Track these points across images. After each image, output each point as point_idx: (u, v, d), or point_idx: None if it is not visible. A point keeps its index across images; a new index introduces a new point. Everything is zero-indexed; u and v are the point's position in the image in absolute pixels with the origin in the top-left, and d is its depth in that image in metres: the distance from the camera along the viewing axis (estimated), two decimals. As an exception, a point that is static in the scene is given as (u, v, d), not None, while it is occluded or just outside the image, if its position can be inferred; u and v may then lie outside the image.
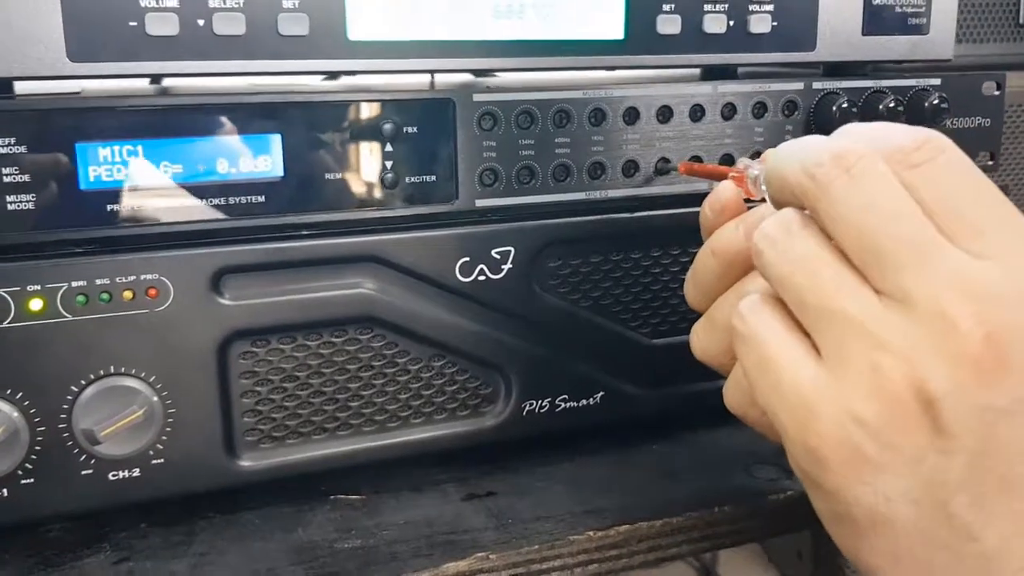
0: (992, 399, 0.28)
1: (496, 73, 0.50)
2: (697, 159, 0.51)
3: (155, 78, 0.46)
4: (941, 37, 0.57)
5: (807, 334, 0.32)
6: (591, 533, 0.45)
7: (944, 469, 0.29)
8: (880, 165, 0.31)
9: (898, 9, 0.55)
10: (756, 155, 0.53)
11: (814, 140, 0.33)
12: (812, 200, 0.32)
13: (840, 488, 0.31)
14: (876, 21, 0.55)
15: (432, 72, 0.49)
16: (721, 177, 0.43)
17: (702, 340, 0.41)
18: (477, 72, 0.49)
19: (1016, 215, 0.31)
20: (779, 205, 0.35)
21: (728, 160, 0.52)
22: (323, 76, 0.54)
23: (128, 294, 0.42)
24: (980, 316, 0.28)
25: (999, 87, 0.58)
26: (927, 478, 0.30)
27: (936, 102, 0.55)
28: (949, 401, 0.29)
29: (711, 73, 0.55)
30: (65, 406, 0.42)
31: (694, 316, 0.54)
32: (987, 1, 0.83)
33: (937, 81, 0.56)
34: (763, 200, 0.38)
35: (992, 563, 0.30)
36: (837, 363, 0.30)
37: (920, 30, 0.56)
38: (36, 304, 0.41)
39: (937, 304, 0.29)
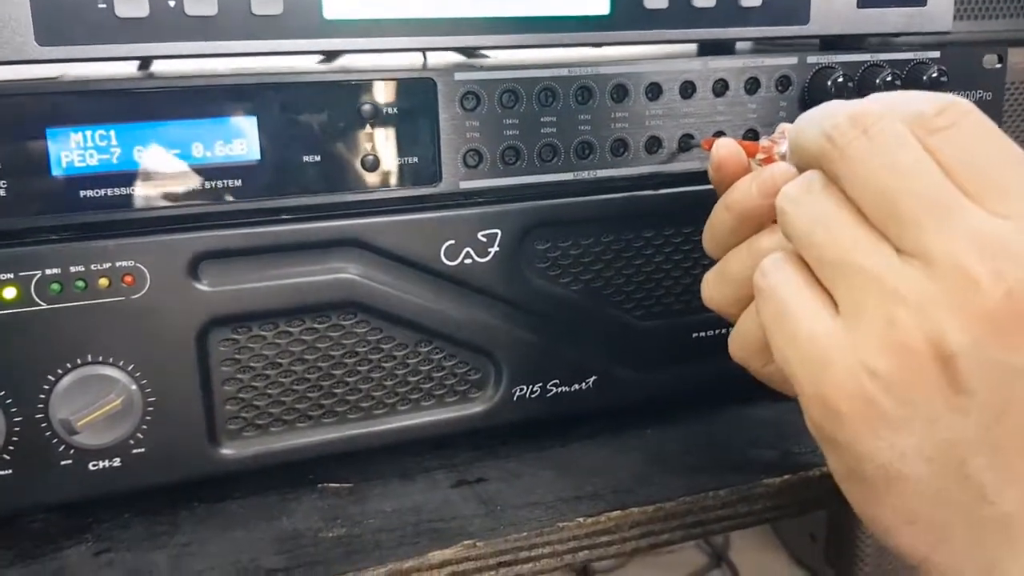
0: (1011, 357, 0.28)
1: (478, 51, 0.49)
2: (721, 133, 0.50)
3: (128, 60, 0.45)
4: (939, 9, 0.55)
5: (828, 291, 0.32)
6: (581, 520, 0.44)
7: (960, 428, 0.29)
8: (898, 125, 0.31)
9: (894, -20, 0.53)
10: (751, 132, 0.52)
11: (833, 104, 0.33)
12: (831, 162, 0.32)
13: (854, 442, 0.30)
14: (872, -8, 0.53)
15: (409, 51, 0.47)
16: (749, 154, 0.43)
17: (712, 289, 0.41)
18: (457, 51, 0.48)
19: None
20: (803, 171, 0.35)
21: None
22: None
23: (104, 281, 0.41)
24: (1000, 273, 0.28)
25: (1000, 60, 0.56)
26: (943, 436, 0.29)
27: (935, 75, 0.53)
28: (966, 357, 0.28)
29: (706, 49, 0.54)
30: (42, 396, 0.41)
31: (686, 298, 0.53)
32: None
33: (936, 54, 0.54)
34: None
35: (1009, 528, 0.29)
36: (853, 316, 0.30)
37: (918, 1, 0.54)
38: (10, 292, 0.40)
39: (956, 260, 0.28)
